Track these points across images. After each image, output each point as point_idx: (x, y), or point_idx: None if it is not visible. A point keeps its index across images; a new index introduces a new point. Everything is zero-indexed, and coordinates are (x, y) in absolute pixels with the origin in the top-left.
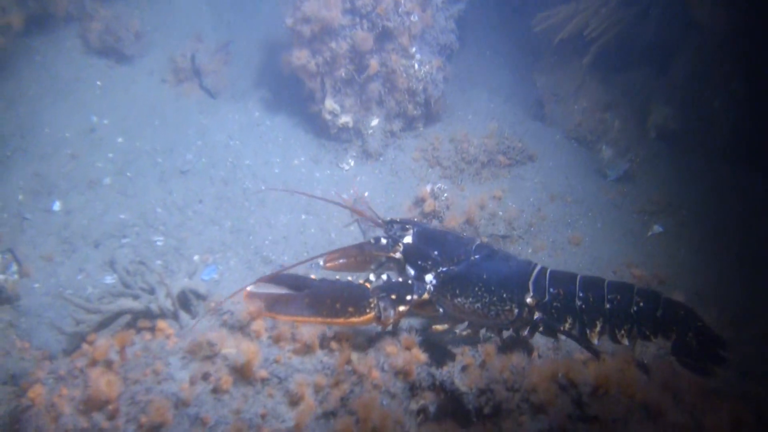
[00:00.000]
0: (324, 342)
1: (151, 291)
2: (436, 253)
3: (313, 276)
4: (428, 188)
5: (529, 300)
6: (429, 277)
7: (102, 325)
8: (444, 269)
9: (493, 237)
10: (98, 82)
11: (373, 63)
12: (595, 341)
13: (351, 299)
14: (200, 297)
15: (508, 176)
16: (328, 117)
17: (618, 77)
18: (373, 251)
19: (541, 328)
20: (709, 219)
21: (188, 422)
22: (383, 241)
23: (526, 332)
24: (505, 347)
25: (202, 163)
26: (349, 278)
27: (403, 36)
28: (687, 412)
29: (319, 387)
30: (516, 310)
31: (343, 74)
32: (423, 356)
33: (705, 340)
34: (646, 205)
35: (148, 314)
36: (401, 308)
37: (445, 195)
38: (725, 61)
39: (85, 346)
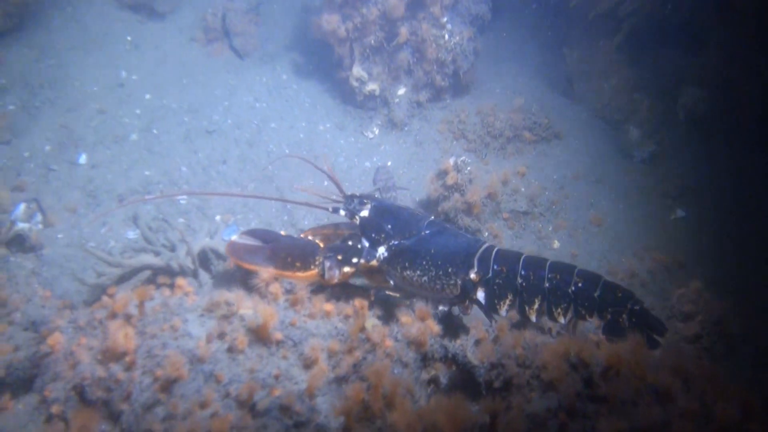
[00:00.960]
0: (340, 309)
1: (173, 248)
2: (389, 227)
3: (282, 232)
4: (452, 161)
5: (473, 275)
6: (381, 250)
7: (123, 279)
8: (395, 242)
9: (514, 213)
10: (128, 37)
11: (403, 31)
12: (533, 318)
13: (301, 255)
14: (220, 256)
15: (532, 153)
16: (355, 84)
17: (649, 57)
18: (345, 229)
19: (483, 303)
20: (734, 206)
21: (202, 378)
22: (342, 212)
23: (467, 307)
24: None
25: (228, 124)
26: None
27: (435, 5)
28: (697, 397)
29: (332, 352)
30: (460, 284)
31: (373, 41)
32: (437, 327)
33: (638, 322)
34: (670, 189)
35: (169, 271)
36: (346, 269)
37: (468, 168)
38: (757, 45)
39: (105, 298)
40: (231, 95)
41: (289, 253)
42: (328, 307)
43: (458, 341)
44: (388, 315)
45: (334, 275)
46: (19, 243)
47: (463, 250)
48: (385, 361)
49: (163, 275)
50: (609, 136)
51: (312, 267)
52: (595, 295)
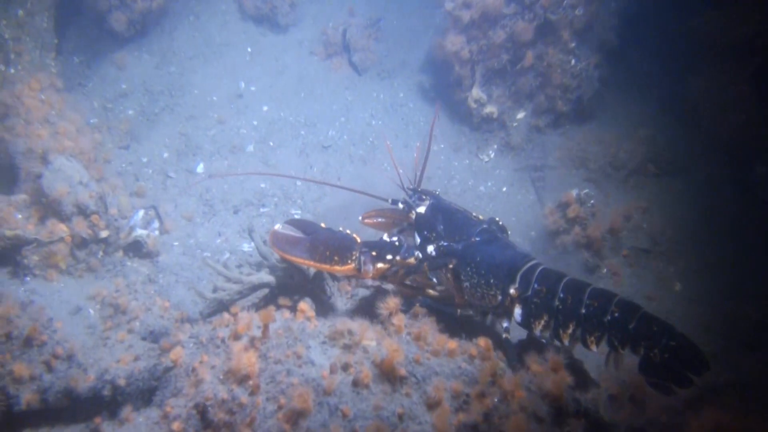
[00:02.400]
0: (464, 348)
1: (288, 264)
2: (441, 227)
3: (322, 224)
4: (574, 193)
5: (512, 291)
6: (430, 248)
7: (241, 294)
8: (444, 244)
9: (635, 250)
10: (249, 49)
11: (529, 55)
12: (566, 342)
13: (338, 249)
14: (335, 277)
15: (655, 187)
16: (473, 105)
17: None
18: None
19: (518, 320)
20: None
21: (327, 412)
22: (400, 205)
23: (504, 321)
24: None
25: (344, 140)
26: None
27: (564, 30)
28: None
29: (456, 393)
30: (499, 297)
31: (496, 64)
32: (569, 378)
33: (671, 358)
34: None
35: (286, 289)
36: (380, 265)
37: (592, 201)
38: None
39: (227, 316)
40: (348, 111)
41: (327, 247)
42: (452, 344)
43: (589, 394)
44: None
45: (369, 270)
46: (136, 249)
47: (508, 263)
48: (520, 415)
49: (283, 296)
50: (735, 172)
51: (349, 261)
52: (630, 327)
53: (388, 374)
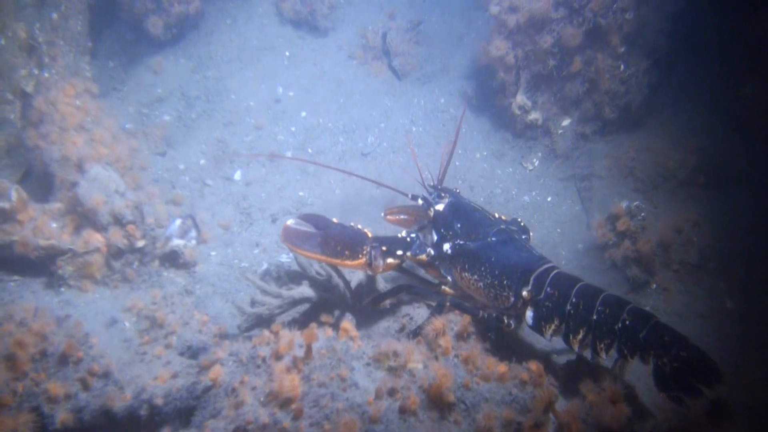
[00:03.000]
0: (515, 372)
1: (328, 278)
2: (458, 225)
3: (334, 220)
4: (624, 205)
5: (524, 293)
6: (446, 246)
7: (281, 309)
8: (460, 242)
9: (685, 265)
10: (287, 53)
11: (577, 60)
12: (575, 348)
13: (350, 244)
14: (374, 291)
15: (706, 198)
16: (517, 112)
17: None
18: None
19: (530, 323)
20: None
21: None
22: (420, 201)
23: (513, 322)
24: None
25: (383, 147)
26: None
27: (614, 35)
28: None
29: (507, 421)
30: (512, 299)
31: (542, 70)
32: (627, 410)
33: (681, 368)
34: None
35: (326, 304)
36: (390, 260)
37: (643, 214)
38: None
39: (267, 334)
40: (387, 117)
41: (338, 242)
42: (502, 368)
43: (647, 426)
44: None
45: (380, 265)
46: (172, 259)
47: (522, 265)
48: None
49: (325, 314)
50: None
51: (360, 256)
52: (641, 335)
53: (436, 400)
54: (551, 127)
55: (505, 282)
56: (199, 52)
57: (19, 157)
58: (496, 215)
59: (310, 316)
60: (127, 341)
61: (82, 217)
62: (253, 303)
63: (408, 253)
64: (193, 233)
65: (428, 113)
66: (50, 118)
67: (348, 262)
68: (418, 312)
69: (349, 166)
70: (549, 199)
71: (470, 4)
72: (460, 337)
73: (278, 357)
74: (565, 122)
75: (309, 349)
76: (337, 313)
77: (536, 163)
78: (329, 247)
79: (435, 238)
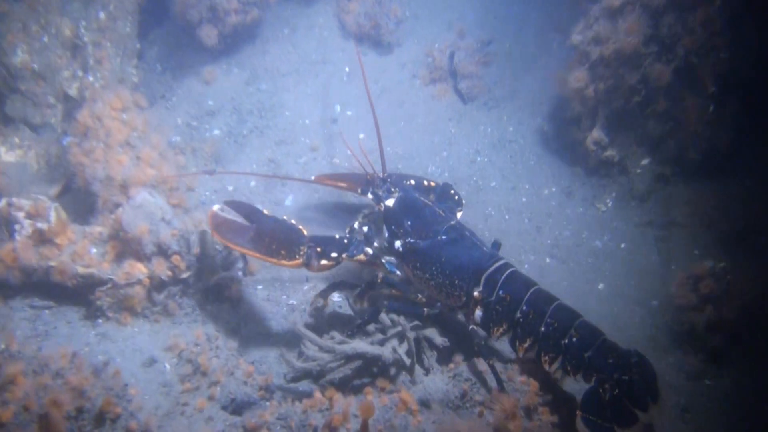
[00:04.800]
0: None
1: (383, 331)
2: (409, 223)
3: (265, 211)
4: (708, 265)
5: (476, 294)
6: (398, 243)
7: (332, 365)
8: (411, 240)
9: None
10: (347, 68)
11: (662, 101)
12: (520, 354)
13: (285, 243)
14: (434, 347)
15: None
16: (591, 147)
17: None
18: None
19: (478, 321)
20: None
21: None
22: (369, 196)
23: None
24: None
25: (444, 178)
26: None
27: (705, 74)
28: None
29: None
30: (464, 299)
31: (623, 106)
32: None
33: (620, 395)
34: None
35: (380, 362)
36: (324, 261)
37: (729, 277)
38: None
39: (319, 397)
40: (450, 144)
41: (273, 239)
42: None
43: None
44: None
45: (314, 266)
46: (217, 292)
47: (473, 265)
48: None
49: (382, 378)
50: None
51: (297, 257)
52: (586, 355)
53: None
54: (628, 166)
55: (456, 282)
56: (253, 62)
57: (59, 168)
58: (426, 183)
59: (363, 372)
60: (167, 386)
61: (125, 244)
62: (301, 355)
63: (344, 255)
64: (240, 264)
65: (495, 143)
66: (95, 133)
67: (284, 262)
68: (479, 372)
69: None
70: (622, 245)
71: (547, 26)
72: (528, 411)
73: (331, 429)
74: (644, 161)
75: (365, 425)
76: (393, 371)
77: (610, 204)
78: (263, 245)
79: (386, 234)
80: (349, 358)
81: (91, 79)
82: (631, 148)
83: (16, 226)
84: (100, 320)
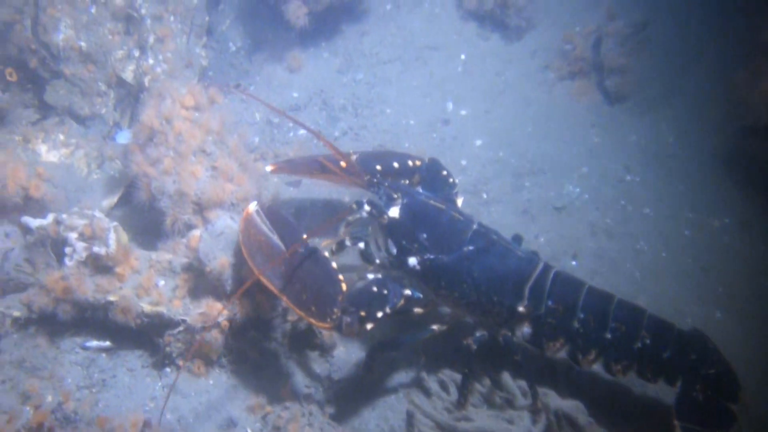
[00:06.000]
0: None
1: (509, 401)
2: (424, 236)
3: (304, 236)
4: None
5: (521, 309)
6: (413, 261)
7: None
8: (431, 256)
9: None
10: (462, 56)
11: None
12: (585, 367)
13: (318, 299)
14: (575, 426)
15: None
16: None
17: None
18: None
19: (527, 338)
20: None
21: None
22: (367, 208)
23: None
24: None
25: (584, 200)
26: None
27: None
28: None
29: None
30: (505, 315)
31: None
32: None
33: (713, 394)
34: None
35: None
36: (369, 326)
37: None
38: None
39: None
40: (592, 157)
41: (305, 287)
42: None
43: None
44: None
45: (354, 332)
46: (307, 338)
47: (512, 275)
48: None
49: None
50: None
51: (328, 321)
52: (664, 356)
53: None
54: None
55: (495, 299)
56: (347, 46)
57: (110, 171)
58: (410, 163)
59: None
60: None
61: (200, 278)
62: (411, 426)
63: (387, 311)
64: None
65: (649, 157)
66: (163, 138)
67: (312, 321)
68: None
69: (536, 223)
70: None
71: (717, 8)
72: None
73: None
74: None
75: None
76: None
77: None
78: (293, 289)
79: (394, 250)
80: None
81: (151, 61)
82: None
83: (67, 249)
84: (167, 369)
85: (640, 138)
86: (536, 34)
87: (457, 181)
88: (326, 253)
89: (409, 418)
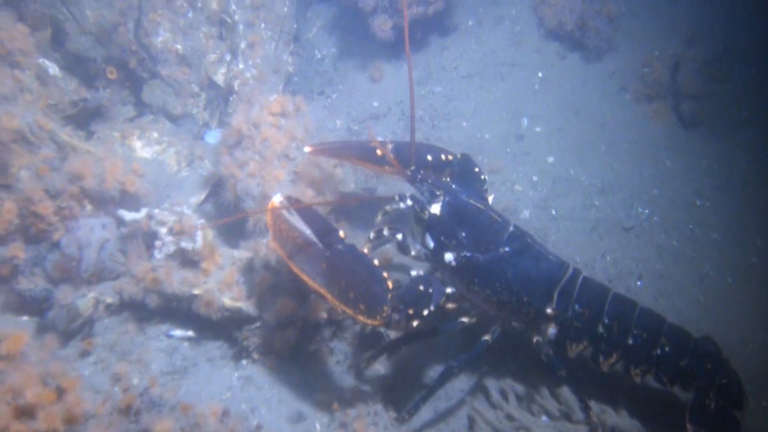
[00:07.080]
0: None
1: (566, 416)
2: (463, 234)
3: (341, 233)
4: None
5: (549, 311)
6: (449, 257)
7: None
8: (468, 254)
9: None
10: (540, 74)
11: None
12: (604, 369)
13: (366, 296)
14: None
15: None
16: None
17: None
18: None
19: (552, 339)
20: None
21: None
22: (409, 202)
23: (534, 338)
24: None
25: (652, 222)
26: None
27: None
28: None
29: None
30: (532, 315)
31: None
32: None
33: (723, 402)
34: None
35: None
36: (415, 323)
37: None
38: None
39: None
40: (663, 180)
41: (352, 286)
42: None
43: None
44: None
45: (401, 328)
46: (376, 340)
47: (543, 279)
48: None
49: None
50: None
51: (378, 318)
52: (682, 364)
53: None
54: None
55: (525, 299)
56: (428, 59)
57: (200, 169)
58: (443, 157)
59: None
60: None
61: (277, 276)
62: None
63: (432, 309)
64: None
65: (722, 183)
66: (251, 142)
67: (361, 318)
68: None
69: (603, 241)
70: None
71: None
72: None
73: None
74: None
75: None
76: None
77: None
78: (339, 288)
79: (432, 244)
80: None
81: (241, 66)
82: None
83: (157, 243)
84: (244, 361)
85: (713, 163)
86: (615, 56)
87: (487, 177)
88: (364, 249)
89: (471, 423)
